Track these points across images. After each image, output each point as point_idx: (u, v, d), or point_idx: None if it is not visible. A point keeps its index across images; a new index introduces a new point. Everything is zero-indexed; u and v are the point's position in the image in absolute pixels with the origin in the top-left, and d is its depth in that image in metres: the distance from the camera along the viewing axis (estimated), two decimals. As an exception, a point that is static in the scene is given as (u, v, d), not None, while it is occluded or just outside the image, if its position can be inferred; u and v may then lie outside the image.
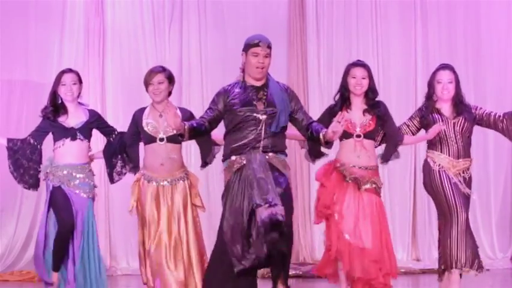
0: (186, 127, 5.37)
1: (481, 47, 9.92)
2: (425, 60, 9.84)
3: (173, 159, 6.15)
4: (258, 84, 5.55)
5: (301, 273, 9.11)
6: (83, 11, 9.50)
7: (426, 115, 6.38)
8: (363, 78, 6.13)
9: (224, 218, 5.46)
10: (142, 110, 6.28)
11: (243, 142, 5.44)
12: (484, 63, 9.83)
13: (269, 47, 5.52)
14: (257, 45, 5.49)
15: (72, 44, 9.46)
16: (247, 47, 5.51)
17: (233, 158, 5.47)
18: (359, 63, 6.23)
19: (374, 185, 6.07)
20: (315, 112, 9.68)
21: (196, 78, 9.62)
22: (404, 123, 6.46)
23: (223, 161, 5.59)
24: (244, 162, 5.42)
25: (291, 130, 5.77)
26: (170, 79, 6.25)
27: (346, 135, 6.06)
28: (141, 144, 6.33)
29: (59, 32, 9.46)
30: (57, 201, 6.26)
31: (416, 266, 9.54)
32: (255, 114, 5.43)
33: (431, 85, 6.43)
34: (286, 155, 5.59)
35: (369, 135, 6.09)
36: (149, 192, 6.13)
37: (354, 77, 6.15)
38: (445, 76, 6.37)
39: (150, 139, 6.14)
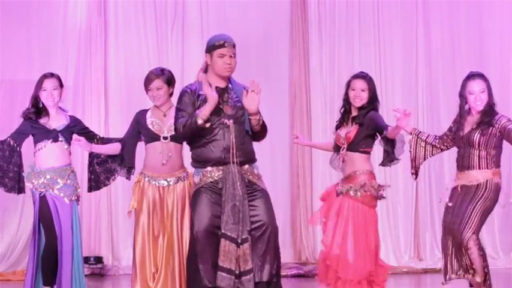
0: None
1: (483, 48, 9.93)
2: (427, 60, 9.86)
3: (174, 158, 6.15)
4: (222, 85, 5.42)
5: (303, 272, 9.12)
6: (85, 10, 9.51)
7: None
8: (362, 91, 5.96)
9: (194, 230, 5.33)
10: (144, 111, 6.28)
11: (216, 153, 5.31)
12: (487, 64, 9.82)
13: (234, 46, 5.40)
14: (222, 46, 5.36)
15: (74, 44, 9.46)
16: (212, 48, 5.39)
17: (209, 169, 5.35)
18: (359, 75, 6.04)
19: (357, 192, 5.91)
20: (317, 112, 9.75)
21: (198, 79, 9.63)
22: (444, 133, 6.32)
23: (193, 166, 5.46)
24: (220, 175, 5.32)
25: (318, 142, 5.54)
26: (169, 82, 6.21)
27: (337, 148, 6.05)
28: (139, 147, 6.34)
29: (62, 32, 9.47)
30: (45, 214, 6.23)
31: (418, 266, 9.55)
32: (223, 119, 5.32)
33: (463, 97, 6.14)
34: (256, 161, 5.48)
35: (351, 147, 5.93)
36: (149, 195, 6.14)
37: (354, 89, 5.99)
38: (476, 86, 6.11)
39: (154, 137, 6.14)
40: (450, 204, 6.16)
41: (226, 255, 5.24)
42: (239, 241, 5.25)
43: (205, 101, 5.31)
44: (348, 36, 9.82)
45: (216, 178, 5.34)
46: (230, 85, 5.44)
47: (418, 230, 9.75)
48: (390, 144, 5.97)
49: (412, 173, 6.37)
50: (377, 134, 5.95)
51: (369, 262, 5.87)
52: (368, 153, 5.98)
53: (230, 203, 5.27)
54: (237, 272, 5.25)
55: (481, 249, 6.10)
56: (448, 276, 6.19)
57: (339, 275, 5.86)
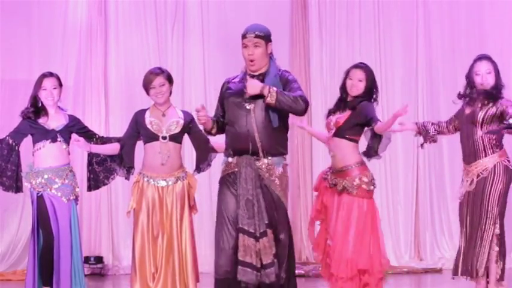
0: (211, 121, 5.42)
1: (483, 48, 9.91)
2: (427, 57, 9.87)
3: (173, 158, 6.15)
4: (256, 72, 5.40)
5: (303, 272, 9.11)
6: (85, 10, 9.51)
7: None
8: (360, 81, 5.97)
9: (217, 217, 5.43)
10: (143, 110, 6.28)
11: (236, 139, 5.32)
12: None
13: (258, 36, 5.33)
14: (244, 36, 5.37)
15: (74, 44, 9.47)
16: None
17: (230, 160, 5.38)
18: (358, 65, 6.09)
19: (353, 189, 5.87)
20: (317, 111, 9.74)
21: (198, 78, 9.63)
22: (451, 117, 6.35)
23: (224, 154, 5.50)
24: (236, 169, 5.32)
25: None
26: (170, 80, 6.24)
27: None
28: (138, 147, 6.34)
29: (62, 32, 9.47)
30: (42, 214, 6.22)
31: (418, 266, 9.54)
32: (243, 103, 5.31)
33: (470, 78, 6.17)
34: (284, 156, 5.42)
35: (339, 133, 5.89)
36: (148, 195, 6.14)
37: (351, 79, 6.01)
38: (482, 67, 6.14)
39: (153, 137, 6.13)
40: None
41: (245, 250, 5.24)
42: (257, 235, 5.24)
43: (231, 93, 5.38)
44: (349, 35, 9.83)
45: (234, 170, 5.34)
46: (268, 70, 5.39)
47: (418, 230, 9.75)
48: (376, 139, 5.95)
49: (420, 144, 6.40)
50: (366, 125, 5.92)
51: (365, 258, 5.84)
52: (355, 141, 5.93)
53: (244, 197, 5.26)
54: (258, 265, 5.24)
55: (503, 245, 6.08)
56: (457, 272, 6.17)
57: (331, 272, 5.87)
